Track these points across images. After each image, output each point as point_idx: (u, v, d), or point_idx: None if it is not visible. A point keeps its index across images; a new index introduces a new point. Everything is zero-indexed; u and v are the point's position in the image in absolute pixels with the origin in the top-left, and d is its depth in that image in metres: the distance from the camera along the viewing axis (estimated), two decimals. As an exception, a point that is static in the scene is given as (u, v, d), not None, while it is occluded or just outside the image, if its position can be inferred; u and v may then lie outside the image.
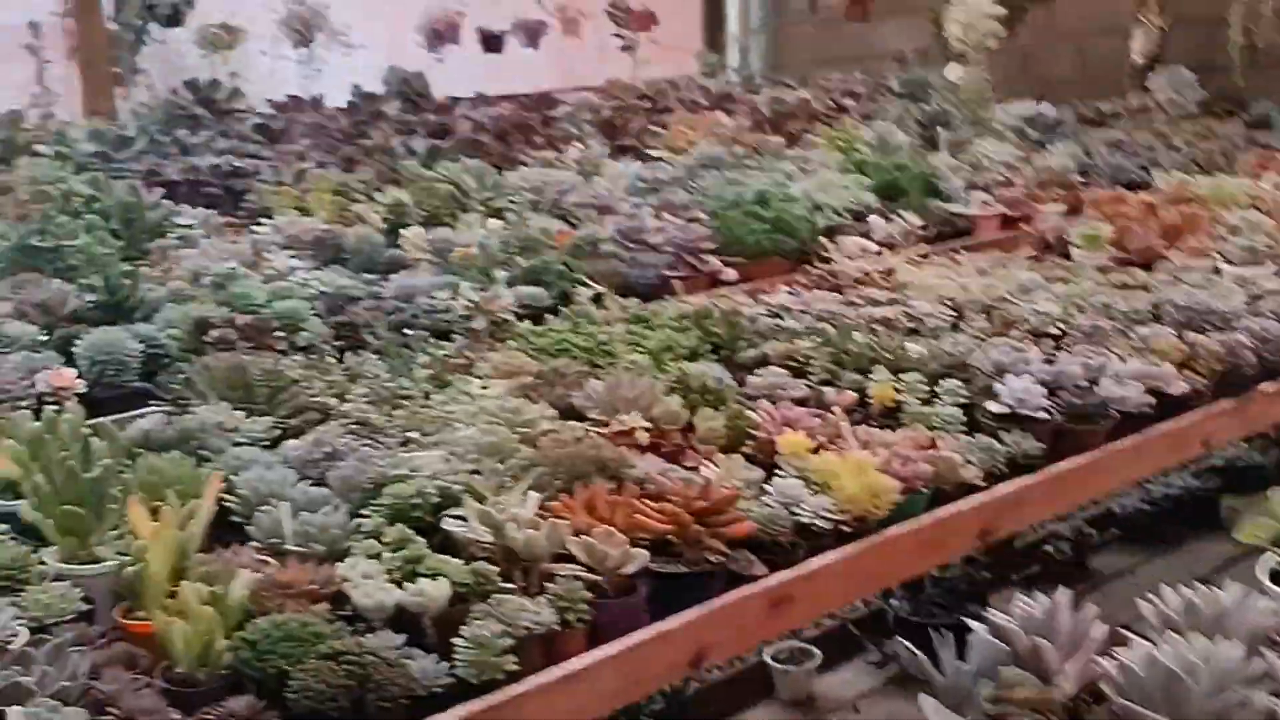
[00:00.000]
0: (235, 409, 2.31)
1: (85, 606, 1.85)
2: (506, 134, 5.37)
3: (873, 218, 4.17)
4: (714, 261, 3.75)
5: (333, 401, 2.39)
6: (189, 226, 3.72)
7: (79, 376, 2.72)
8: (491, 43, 7.43)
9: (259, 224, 3.82)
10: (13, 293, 3.19)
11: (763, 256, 3.86)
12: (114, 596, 1.87)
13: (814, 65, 8.46)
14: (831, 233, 3.98)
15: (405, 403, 2.38)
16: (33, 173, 5.22)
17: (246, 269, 3.34)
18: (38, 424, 2.02)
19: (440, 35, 7.21)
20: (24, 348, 2.91)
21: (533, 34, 7.47)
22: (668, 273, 3.63)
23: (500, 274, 3.42)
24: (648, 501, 2.00)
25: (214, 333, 2.92)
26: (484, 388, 2.41)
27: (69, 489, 1.92)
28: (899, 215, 4.19)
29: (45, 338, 2.97)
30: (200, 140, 5.78)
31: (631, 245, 3.70)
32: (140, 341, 2.87)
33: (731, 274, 3.77)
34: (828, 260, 3.73)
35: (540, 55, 7.73)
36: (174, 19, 6.17)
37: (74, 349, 2.84)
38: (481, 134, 5.33)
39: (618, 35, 7.94)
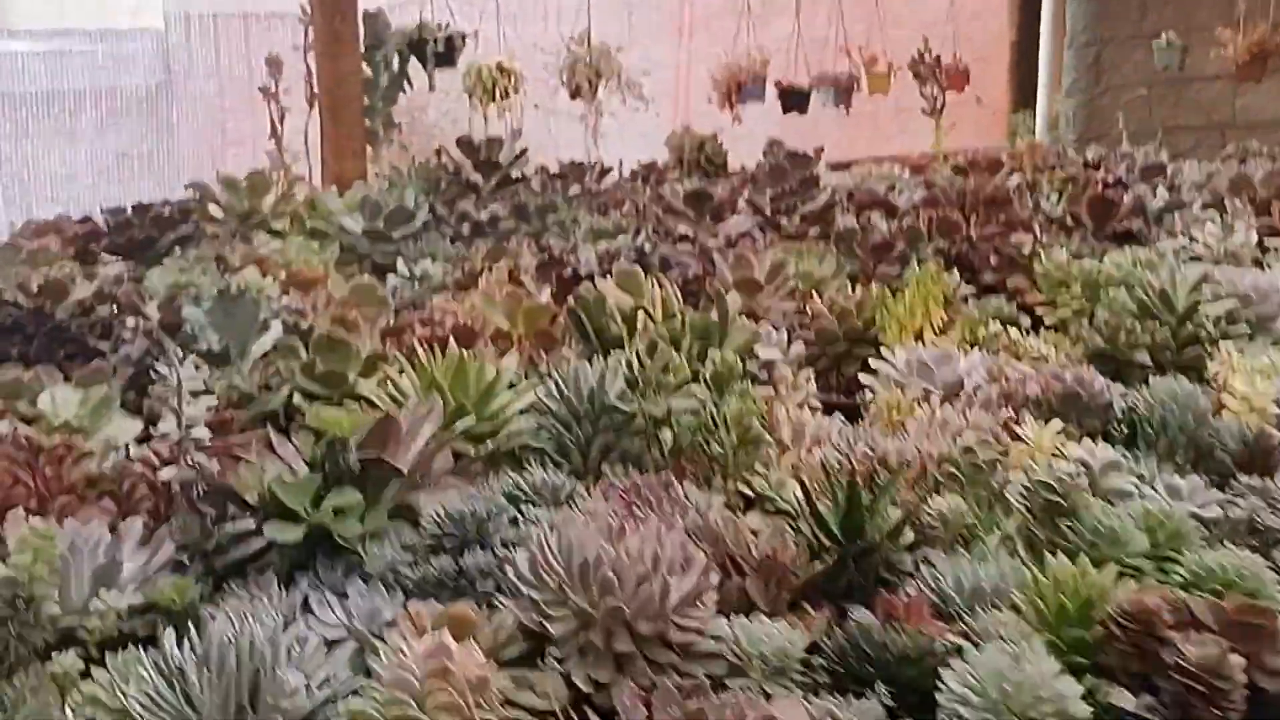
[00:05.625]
0: None
1: None
2: (974, 212, 3.77)
3: None
4: None
5: None
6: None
7: None
8: (792, 100, 5.86)
9: (879, 359, 2.17)
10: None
11: None
12: None
13: (1145, 134, 6.98)
14: None
15: None
16: (300, 255, 3.67)
17: (996, 454, 1.69)
18: None
19: (739, 90, 5.66)
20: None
21: (844, 91, 5.91)
22: None
23: None
24: None
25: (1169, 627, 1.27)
26: None
27: None
28: None
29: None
30: (483, 216, 4.22)
31: None
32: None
33: None
34: None
35: (820, 113, 6.16)
36: (447, 57, 4.60)
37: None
38: (933, 211, 3.73)
39: (924, 95, 6.43)
